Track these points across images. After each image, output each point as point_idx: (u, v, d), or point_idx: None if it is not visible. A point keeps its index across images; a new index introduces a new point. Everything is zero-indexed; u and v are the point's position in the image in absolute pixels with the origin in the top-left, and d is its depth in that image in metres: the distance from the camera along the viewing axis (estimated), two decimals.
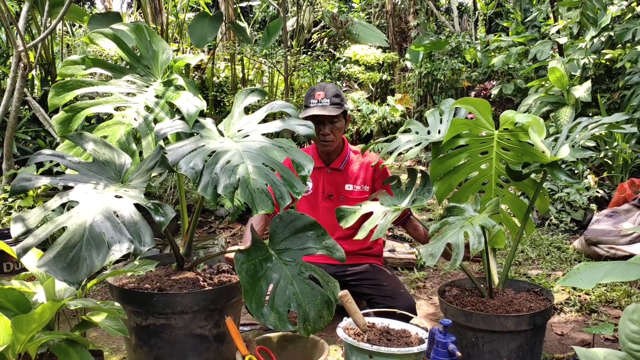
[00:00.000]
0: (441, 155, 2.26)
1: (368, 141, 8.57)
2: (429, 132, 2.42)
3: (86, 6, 12.18)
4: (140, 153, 1.99)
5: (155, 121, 2.02)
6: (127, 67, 2.20)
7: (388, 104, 8.68)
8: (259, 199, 1.66)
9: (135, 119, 2.01)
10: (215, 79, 6.78)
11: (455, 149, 2.23)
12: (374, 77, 9.03)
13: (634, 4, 5.34)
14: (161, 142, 1.90)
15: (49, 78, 5.14)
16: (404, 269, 3.76)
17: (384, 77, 9.56)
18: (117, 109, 2.07)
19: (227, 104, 6.45)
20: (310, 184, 2.78)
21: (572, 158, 2.02)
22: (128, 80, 2.13)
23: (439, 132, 2.39)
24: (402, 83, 9.40)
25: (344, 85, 9.36)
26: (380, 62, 9.21)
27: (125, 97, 2.08)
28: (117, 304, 1.72)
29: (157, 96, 2.09)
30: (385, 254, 3.67)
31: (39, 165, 3.72)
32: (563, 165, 2.02)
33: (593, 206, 4.58)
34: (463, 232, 1.87)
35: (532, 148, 2.05)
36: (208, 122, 2.03)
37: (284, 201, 1.74)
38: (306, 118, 2.52)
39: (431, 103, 8.66)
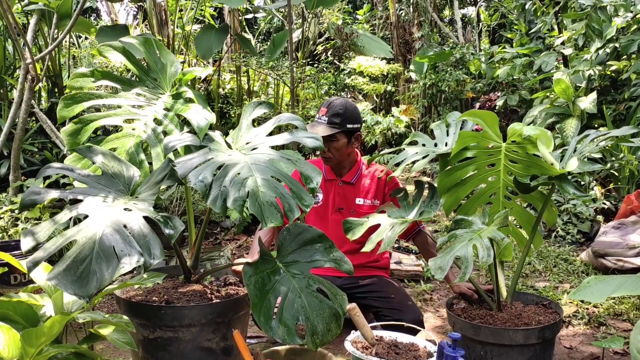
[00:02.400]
0: (448, 168, 2.25)
1: (373, 152, 8.58)
2: (435, 145, 2.42)
3: (92, 18, 12.30)
4: (150, 164, 2.00)
5: (165, 133, 2.03)
6: (136, 79, 2.21)
7: (392, 115, 8.70)
8: (268, 212, 1.66)
9: (144, 131, 2.02)
10: (220, 90, 6.80)
11: (462, 161, 2.23)
12: (378, 88, 9.06)
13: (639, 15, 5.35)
14: (170, 155, 1.91)
15: (55, 90, 5.18)
16: (410, 281, 3.75)
17: (389, 88, 9.59)
18: (126, 121, 2.08)
19: (233, 116, 6.47)
20: (320, 196, 2.77)
21: (580, 170, 2.02)
22: (137, 93, 2.14)
23: (446, 144, 2.40)
24: (407, 94, 9.42)
25: (349, 96, 9.38)
26: (385, 74, 9.25)
27: (134, 110, 2.09)
28: (124, 316, 1.72)
29: (166, 109, 2.10)
30: (392, 266, 3.66)
31: (46, 177, 3.73)
32: (569, 177, 2.02)
33: (600, 218, 4.56)
34: (472, 245, 1.87)
35: (539, 160, 2.05)
36: (216, 134, 2.04)
37: (293, 214, 1.74)
38: None
39: (436, 114, 8.67)
